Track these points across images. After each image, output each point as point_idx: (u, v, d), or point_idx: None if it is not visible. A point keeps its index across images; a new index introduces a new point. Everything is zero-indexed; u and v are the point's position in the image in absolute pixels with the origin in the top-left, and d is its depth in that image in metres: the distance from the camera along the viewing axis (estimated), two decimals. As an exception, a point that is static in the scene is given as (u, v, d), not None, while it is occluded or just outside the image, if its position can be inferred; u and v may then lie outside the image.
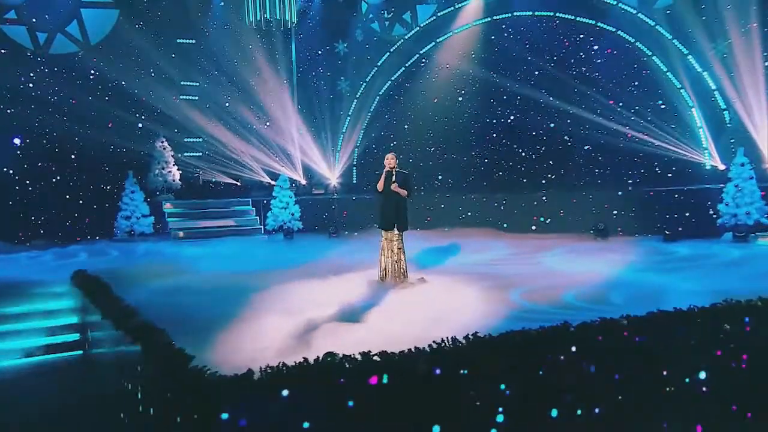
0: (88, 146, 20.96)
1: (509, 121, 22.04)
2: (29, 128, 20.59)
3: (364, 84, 24.72)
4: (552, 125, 21.22)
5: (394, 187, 10.87)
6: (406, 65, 24.43)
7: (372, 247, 12.95)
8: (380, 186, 11.06)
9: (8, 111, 20.27)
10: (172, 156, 22.23)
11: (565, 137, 21.04)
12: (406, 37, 24.43)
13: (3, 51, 20.55)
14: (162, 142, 22.07)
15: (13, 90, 20.34)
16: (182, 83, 23.03)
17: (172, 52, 22.70)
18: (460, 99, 23.17)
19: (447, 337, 5.73)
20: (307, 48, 24.50)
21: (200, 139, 23.11)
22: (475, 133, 22.63)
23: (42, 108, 20.55)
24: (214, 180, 23.11)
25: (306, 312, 8.80)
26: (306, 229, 20.76)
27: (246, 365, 5.17)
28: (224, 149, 22.97)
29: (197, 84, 23.18)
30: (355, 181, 24.58)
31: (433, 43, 24.02)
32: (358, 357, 5.39)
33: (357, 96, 24.83)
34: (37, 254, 17.32)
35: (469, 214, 21.05)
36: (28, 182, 20.57)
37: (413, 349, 5.57)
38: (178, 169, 22.36)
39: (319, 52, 24.69)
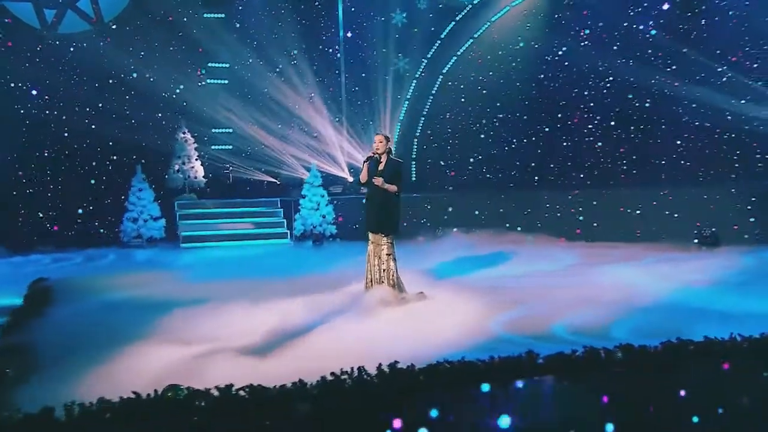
0: (97, 138, 18.82)
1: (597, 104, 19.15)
2: (30, 120, 18.66)
3: (426, 61, 21.16)
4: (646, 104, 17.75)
5: (376, 181, 9.37)
6: (475, 36, 20.70)
7: (418, 258, 12.68)
8: (363, 176, 9.59)
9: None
10: (196, 150, 19.54)
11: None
12: (475, 1, 20.64)
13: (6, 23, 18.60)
14: (184, 133, 19.46)
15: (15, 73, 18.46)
16: (209, 65, 20.40)
17: (198, 28, 20.00)
18: (541, 76, 19.97)
19: (354, 368, 5.26)
20: (357, 20, 21.21)
21: (230, 130, 20.38)
22: (554, 117, 19.71)
23: (48, 94, 18.71)
24: (246, 177, 20.15)
25: (223, 339, 7.83)
26: (345, 235, 17.84)
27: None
28: (259, 141, 20.25)
29: (227, 65, 20.46)
30: (414, 178, 21.13)
31: (508, 8, 20.35)
32: (215, 392, 4.90)
33: (417, 75, 21.37)
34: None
35: (546, 216, 18.25)
36: (28, 181, 18.70)
37: (297, 383, 5.06)
38: (202, 165, 19.60)
39: (371, 25, 21.22)
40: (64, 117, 18.63)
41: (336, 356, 6.40)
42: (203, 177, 19.56)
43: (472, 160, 20.68)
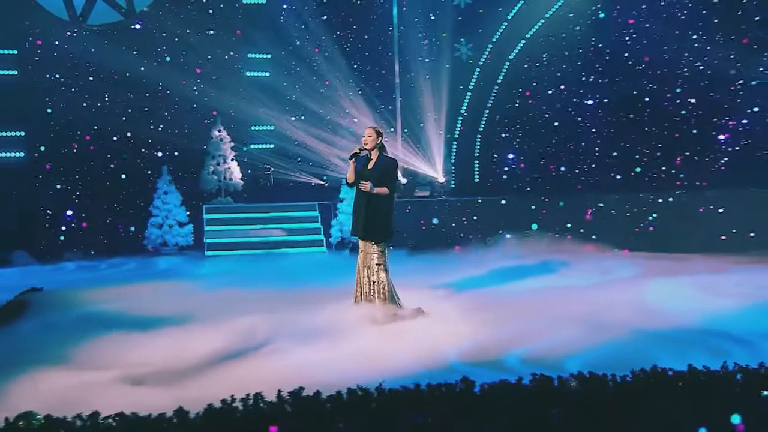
0: (126, 136, 17.94)
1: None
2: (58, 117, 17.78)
3: (491, 46, 19.00)
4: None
5: (363, 187, 8.61)
6: (546, 16, 18.55)
7: (446, 269, 12.48)
8: (349, 177, 8.90)
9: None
10: (232, 149, 18.04)
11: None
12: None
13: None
14: (219, 131, 17.96)
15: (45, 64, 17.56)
16: (249, 56, 18.92)
17: (236, 15, 18.73)
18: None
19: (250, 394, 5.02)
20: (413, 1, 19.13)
21: (272, 127, 18.87)
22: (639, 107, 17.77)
23: (74, 88, 17.78)
24: (288, 179, 18.64)
25: (146, 365, 7.40)
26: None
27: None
28: (304, 139, 18.62)
29: (268, 56, 18.89)
30: (477, 179, 19.19)
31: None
32: (78, 421, 4.75)
33: (481, 63, 19.21)
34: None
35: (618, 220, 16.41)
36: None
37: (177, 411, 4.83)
38: (238, 165, 18.14)
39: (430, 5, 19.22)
40: (93, 110, 17.68)
41: (256, 383, 5.73)
42: (240, 179, 18.03)
43: (542, 156, 18.62)
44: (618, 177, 17.93)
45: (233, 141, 18.08)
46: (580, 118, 18.48)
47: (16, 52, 17.59)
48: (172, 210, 16.81)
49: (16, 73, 17.53)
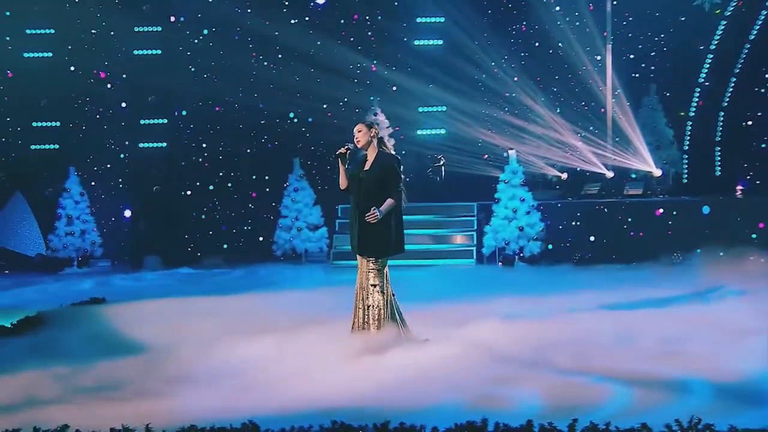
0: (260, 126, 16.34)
1: None
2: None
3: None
4: None
5: (370, 218, 7.56)
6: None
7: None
8: (342, 182, 7.99)
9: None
10: (390, 136, 15.78)
11: None
12: None
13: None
14: (376, 114, 15.78)
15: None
16: (417, 20, 16.42)
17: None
18: None
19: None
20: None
21: (442, 108, 16.33)
22: None
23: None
24: (460, 171, 15.47)
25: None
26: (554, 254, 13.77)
27: None
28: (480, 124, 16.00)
29: (441, 19, 16.19)
30: (718, 172, 15.39)
31: None
32: None
33: (729, 12, 15.18)
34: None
35: None
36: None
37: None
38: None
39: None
40: (240, 93, 16.15)
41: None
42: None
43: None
44: None
45: (391, 126, 15.82)
46: None
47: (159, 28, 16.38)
48: (302, 210, 14.85)
49: (159, 52, 16.30)
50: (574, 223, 14.46)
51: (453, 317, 8.99)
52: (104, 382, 6.92)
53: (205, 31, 16.50)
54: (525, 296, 10.53)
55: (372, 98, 16.15)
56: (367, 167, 7.86)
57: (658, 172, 15.24)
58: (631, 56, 16.13)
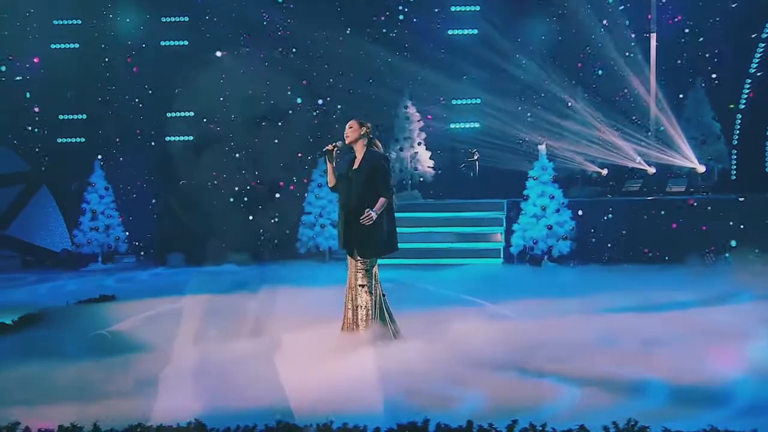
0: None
1: None
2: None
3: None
4: None
5: (365, 219, 7.56)
6: None
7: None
8: (330, 180, 7.93)
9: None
10: (421, 130, 15.37)
11: None
12: None
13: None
14: (406, 107, 15.29)
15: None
16: (452, 8, 15.89)
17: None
18: None
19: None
20: None
21: (477, 100, 15.75)
22: None
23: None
24: (495, 167, 15.07)
25: None
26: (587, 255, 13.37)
27: None
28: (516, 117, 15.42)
29: (476, 8, 15.69)
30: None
31: None
32: None
33: None
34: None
35: None
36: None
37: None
38: (428, 150, 15.32)
39: None
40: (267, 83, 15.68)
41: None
42: (430, 167, 15.17)
43: None
44: None
45: (423, 119, 15.27)
46: None
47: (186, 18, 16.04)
48: (326, 207, 14.38)
49: (186, 43, 15.95)
50: (604, 219, 13.72)
51: (442, 318, 8.87)
52: (70, 383, 6.68)
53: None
54: (525, 299, 10.34)
55: (405, 88, 15.51)
56: (355, 166, 7.81)
57: (701, 168, 14.33)
58: (681, 41, 15.11)
